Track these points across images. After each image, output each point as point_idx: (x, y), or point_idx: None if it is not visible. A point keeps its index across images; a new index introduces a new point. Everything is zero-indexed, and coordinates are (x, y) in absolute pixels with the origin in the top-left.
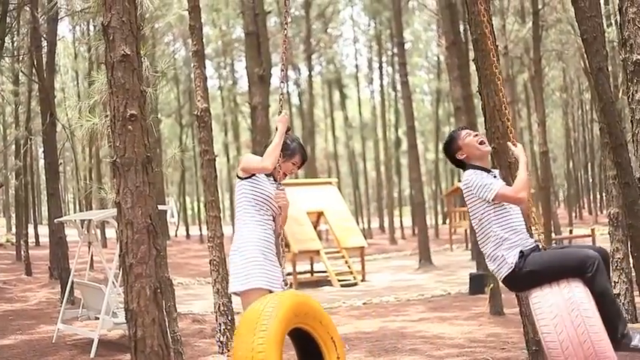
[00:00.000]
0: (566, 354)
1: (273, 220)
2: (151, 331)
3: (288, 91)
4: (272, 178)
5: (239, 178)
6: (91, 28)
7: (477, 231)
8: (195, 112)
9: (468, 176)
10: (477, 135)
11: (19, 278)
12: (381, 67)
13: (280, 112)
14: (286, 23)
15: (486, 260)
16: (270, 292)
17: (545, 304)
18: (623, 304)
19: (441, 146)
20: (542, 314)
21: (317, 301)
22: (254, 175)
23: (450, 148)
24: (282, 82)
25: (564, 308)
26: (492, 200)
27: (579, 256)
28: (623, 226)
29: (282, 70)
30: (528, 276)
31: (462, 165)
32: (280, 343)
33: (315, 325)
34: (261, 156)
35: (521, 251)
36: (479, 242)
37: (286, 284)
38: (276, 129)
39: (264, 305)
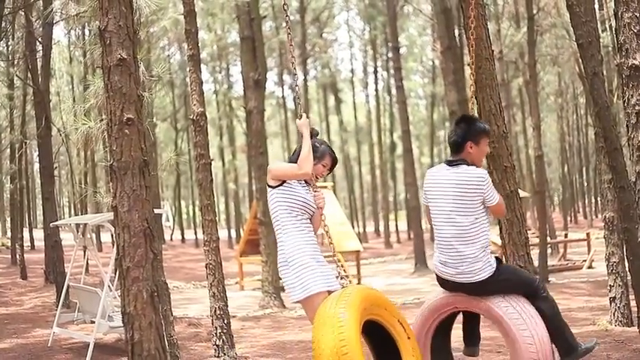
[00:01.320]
0: (540, 349)
1: (311, 222)
2: (148, 335)
3: (284, 95)
4: (303, 181)
5: (270, 187)
6: (87, 32)
7: (464, 229)
8: (191, 116)
9: (485, 175)
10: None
11: (14, 282)
12: (376, 72)
13: (300, 116)
14: (288, 27)
15: (464, 260)
16: (330, 292)
17: (519, 311)
18: (618, 307)
19: (436, 150)
20: (518, 319)
21: (377, 290)
22: (285, 181)
23: (474, 136)
24: (295, 86)
25: (534, 317)
26: (491, 206)
27: (535, 279)
28: (619, 229)
29: (295, 74)
30: (501, 283)
31: (457, 147)
32: (359, 340)
33: (382, 312)
34: (253, 160)
35: (496, 257)
36: (461, 241)
37: (343, 278)
38: (301, 135)
39: (335, 308)
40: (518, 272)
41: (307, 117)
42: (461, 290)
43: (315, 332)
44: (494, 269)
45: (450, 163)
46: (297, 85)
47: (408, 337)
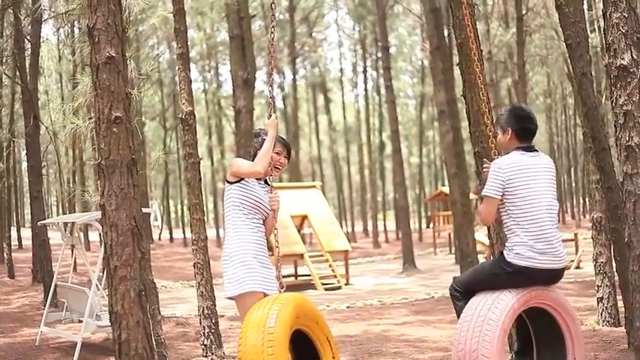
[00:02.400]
0: None
1: (263, 223)
2: (135, 334)
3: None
4: (262, 181)
5: (228, 182)
6: (76, 30)
7: (556, 212)
8: (180, 115)
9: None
10: None
11: (1, 281)
12: (365, 71)
13: (270, 116)
14: (273, 27)
15: (559, 242)
16: (265, 294)
17: None
18: (606, 307)
19: (425, 150)
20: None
21: (312, 302)
22: (243, 179)
23: None
24: (270, 86)
25: None
26: None
27: None
28: (606, 230)
29: (271, 75)
30: None
31: (532, 136)
32: (287, 347)
33: (312, 325)
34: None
35: None
36: (555, 224)
37: (282, 287)
38: (266, 133)
39: (268, 309)
40: None
41: (276, 118)
42: (540, 282)
43: (244, 328)
44: None
45: (527, 150)
46: (271, 86)
47: (333, 357)
